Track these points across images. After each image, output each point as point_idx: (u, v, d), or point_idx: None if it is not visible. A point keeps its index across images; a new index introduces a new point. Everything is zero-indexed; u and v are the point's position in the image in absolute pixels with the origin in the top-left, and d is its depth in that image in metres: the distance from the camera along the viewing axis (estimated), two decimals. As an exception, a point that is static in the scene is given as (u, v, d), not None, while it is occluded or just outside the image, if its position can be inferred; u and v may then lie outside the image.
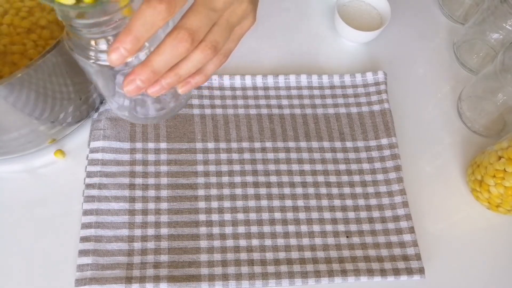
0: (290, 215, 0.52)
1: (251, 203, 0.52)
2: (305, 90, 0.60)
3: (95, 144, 0.53)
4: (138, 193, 0.52)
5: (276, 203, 0.53)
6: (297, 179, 0.54)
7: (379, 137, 0.58)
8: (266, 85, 0.60)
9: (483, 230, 0.55)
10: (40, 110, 0.46)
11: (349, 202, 0.54)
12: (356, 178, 0.55)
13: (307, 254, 0.50)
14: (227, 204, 0.52)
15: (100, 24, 0.31)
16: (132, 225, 0.50)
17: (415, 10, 0.71)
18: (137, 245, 0.49)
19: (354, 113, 0.59)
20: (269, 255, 0.50)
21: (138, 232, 0.50)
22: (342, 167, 0.56)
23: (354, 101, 0.60)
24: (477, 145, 0.60)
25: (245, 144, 0.56)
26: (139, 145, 0.54)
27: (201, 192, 0.53)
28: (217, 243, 0.50)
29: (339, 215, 0.53)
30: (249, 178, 0.54)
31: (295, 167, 0.55)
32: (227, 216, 0.52)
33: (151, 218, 0.51)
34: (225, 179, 0.54)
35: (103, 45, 0.33)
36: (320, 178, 0.55)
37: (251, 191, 0.53)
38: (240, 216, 0.52)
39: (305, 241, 0.51)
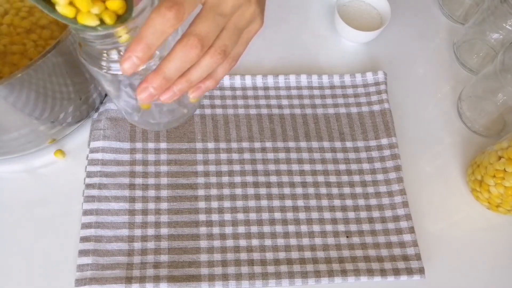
0: (290, 215, 0.52)
1: (251, 203, 0.52)
2: (305, 90, 0.60)
3: (95, 144, 0.53)
4: (138, 193, 0.52)
5: (276, 203, 0.53)
6: (297, 179, 0.54)
7: (379, 137, 0.58)
8: (266, 85, 0.60)
9: (483, 230, 0.55)
10: (40, 110, 0.46)
11: (349, 202, 0.54)
12: (356, 178, 0.55)
13: (307, 254, 0.50)
14: (227, 204, 0.52)
15: (111, 36, 0.32)
16: (132, 225, 0.50)
17: (415, 10, 0.71)
18: (137, 245, 0.49)
19: (354, 113, 0.59)
20: (269, 255, 0.50)
21: (138, 232, 0.50)
22: (342, 167, 0.56)
23: (354, 101, 0.60)
24: (477, 145, 0.60)
25: (245, 144, 0.56)
26: (139, 145, 0.54)
27: (201, 192, 0.53)
28: (217, 243, 0.50)
29: (339, 215, 0.53)
30: (249, 178, 0.54)
31: (295, 167, 0.55)
32: (227, 216, 0.52)
33: (151, 218, 0.51)
34: (225, 179, 0.54)
35: (114, 55, 0.33)
36: (320, 178, 0.55)
37: (251, 191, 0.53)
38: (240, 216, 0.52)
39: (305, 241, 0.51)
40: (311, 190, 0.54)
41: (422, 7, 0.72)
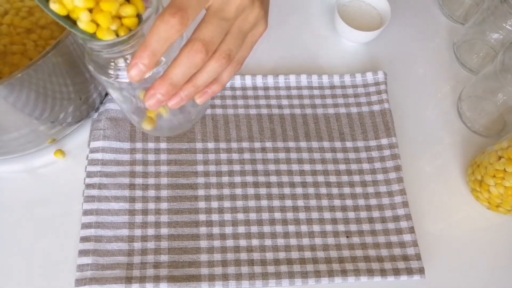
0: (290, 215, 0.52)
1: (251, 203, 0.52)
2: (305, 90, 0.60)
3: (95, 144, 0.53)
4: (138, 193, 0.52)
5: (276, 203, 0.53)
6: (297, 179, 0.54)
7: (379, 137, 0.58)
8: (266, 85, 0.60)
9: (483, 230, 0.55)
10: (40, 110, 0.46)
11: (349, 202, 0.54)
12: (356, 178, 0.55)
13: (307, 254, 0.50)
14: (227, 204, 0.52)
15: (118, 45, 0.33)
16: (132, 225, 0.50)
17: (415, 10, 0.71)
18: (137, 245, 0.49)
19: (354, 113, 0.59)
20: (269, 255, 0.50)
21: (138, 232, 0.50)
22: (342, 167, 0.56)
23: (354, 101, 0.60)
24: (477, 145, 0.60)
25: (245, 144, 0.56)
26: (139, 145, 0.54)
27: (201, 192, 0.53)
28: (217, 243, 0.50)
29: (339, 215, 0.53)
30: (249, 178, 0.54)
31: (295, 167, 0.55)
32: (227, 216, 0.52)
33: (151, 218, 0.51)
34: (225, 179, 0.54)
35: (121, 64, 0.34)
36: (320, 178, 0.55)
37: (251, 191, 0.53)
38: (240, 216, 0.52)
39: (305, 241, 0.51)
40: (311, 190, 0.54)
41: (422, 7, 0.72)
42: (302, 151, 0.56)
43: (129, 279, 0.47)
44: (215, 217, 0.52)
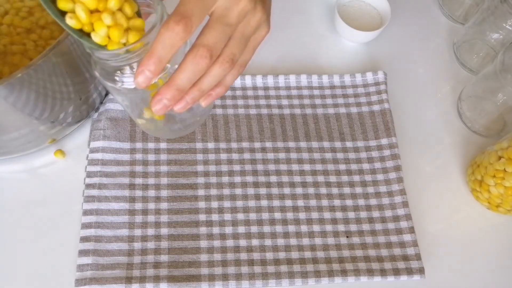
0: (290, 215, 0.52)
1: (251, 203, 0.52)
2: (305, 90, 0.60)
3: (95, 144, 0.53)
4: (138, 193, 0.52)
5: (276, 203, 0.53)
6: (297, 179, 0.54)
7: (379, 137, 0.58)
8: (266, 85, 0.60)
9: (483, 230, 0.55)
10: (40, 110, 0.46)
11: (349, 202, 0.54)
12: (356, 178, 0.55)
13: (307, 254, 0.50)
14: (227, 204, 0.52)
15: (125, 54, 0.34)
16: (132, 225, 0.50)
17: (415, 10, 0.71)
18: (137, 245, 0.49)
19: (354, 113, 0.59)
20: (269, 255, 0.50)
21: (138, 232, 0.50)
22: (342, 167, 0.56)
23: (354, 101, 0.60)
24: (477, 145, 0.60)
25: (245, 144, 0.56)
26: (139, 145, 0.54)
27: (201, 192, 0.53)
28: (217, 243, 0.50)
29: (339, 215, 0.53)
30: (249, 178, 0.54)
31: (295, 167, 0.55)
32: (227, 216, 0.52)
33: (151, 218, 0.51)
34: (225, 179, 0.54)
35: (127, 71, 0.35)
36: (320, 178, 0.55)
37: (251, 191, 0.53)
38: (240, 216, 0.52)
39: (305, 241, 0.51)
40: (311, 190, 0.54)
41: (422, 7, 0.72)
42: (302, 151, 0.56)
43: (129, 279, 0.47)
44: (215, 217, 0.52)
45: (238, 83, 0.60)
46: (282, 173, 0.55)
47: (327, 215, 0.53)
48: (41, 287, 0.48)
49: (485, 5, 0.60)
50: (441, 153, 0.60)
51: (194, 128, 0.49)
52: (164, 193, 0.52)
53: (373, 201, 0.54)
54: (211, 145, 0.55)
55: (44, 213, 0.51)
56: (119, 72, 0.36)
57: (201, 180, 0.53)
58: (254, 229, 0.51)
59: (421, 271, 0.50)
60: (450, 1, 0.71)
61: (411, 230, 0.52)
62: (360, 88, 0.61)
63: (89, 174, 0.52)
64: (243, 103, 0.59)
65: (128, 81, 0.36)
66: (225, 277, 0.48)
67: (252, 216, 0.52)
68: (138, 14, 0.35)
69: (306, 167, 0.55)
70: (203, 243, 0.50)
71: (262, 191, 0.53)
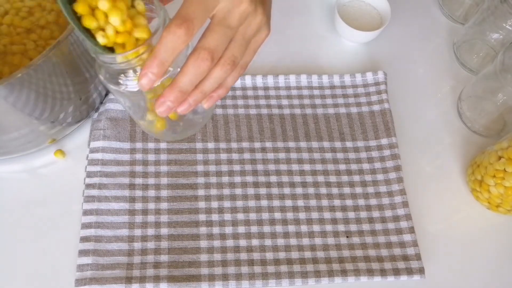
0: (290, 215, 0.52)
1: (251, 203, 0.52)
2: (305, 90, 0.60)
3: (95, 144, 0.53)
4: (138, 193, 0.52)
5: (276, 203, 0.53)
6: (297, 179, 0.54)
7: (379, 137, 0.58)
8: (266, 85, 0.60)
9: (483, 230, 0.55)
10: (40, 110, 0.46)
11: (349, 202, 0.54)
12: (356, 178, 0.55)
13: (307, 254, 0.50)
14: (227, 204, 0.52)
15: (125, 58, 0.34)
16: (132, 225, 0.50)
17: (415, 10, 0.71)
18: (137, 245, 0.49)
19: (354, 113, 0.59)
20: (269, 255, 0.50)
21: (138, 232, 0.50)
22: (342, 167, 0.56)
23: (354, 101, 0.60)
24: (477, 145, 0.60)
25: (245, 144, 0.56)
26: (139, 145, 0.54)
27: (201, 192, 0.53)
28: (217, 243, 0.50)
29: (339, 215, 0.53)
30: (249, 178, 0.54)
31: (295, 167, 0.55)
32: (227, 216, 0.52)
33: (151, 218, 0.51)
34: (225, 179, 0.54)
35: (131, 74, 0.36)
36: (320, 178, 0.55)
37: (251, 191, 0.53)
38: (240, 216, 0.52)
39: (305, 241, 0.51)
40: (311, 190, 0.54)
41: (422, 7, 0.72)
42: (302, 151, 0.56)
43: (129, 279, 0.47)
44: (215, 217, 0.52)
45: (238, 83, 0.60)
46: (282, 173, 0.55)
47: (327, 215, 0.53)
48: (41, 287, 0.48)
49: (485, 5, 0.60)
50: (441, 153, 0.60)
51: (196, 131, 0.50)
52: (164, 193, 0.52)
53: (373, 201, 0.54)
54: (211, 145, 0.55)
55: (44, 213, 0.51)
56: (122, 75, 0.36)
57: (201, 180, 0.53)
58: (254, 229, 0.51)
59: (421, 271, 0.50)
60: (450, 1, 0.71)
61: (411, 230, 0.52)
62: (360, 88, 0.61)
63: (89, 174, 0.52)
64: (243, 103, 0.59)
65: (131, 84, 0.37)
66: (225, 277, 0.48)
67: (252, 216, 0.52)
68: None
69: (306, 167, 0.55)
70: (203, 243, 0.50)
71: (262, 191, 0.53)
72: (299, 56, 0.65)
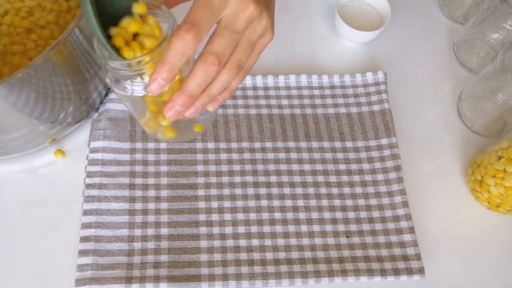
0: (290, 215, 0.52)
1: (251, 203, 0.52)
2: (305, 90, 0.60)
3: (95, 144, 0.53)
4: (138, 193, 0.52)
5: (276, 203, 0.53)
6: (297, 179, 0.54)
7: (379, 137, 0.58)
8: (266, 85, 0.60)
9: (483, 230, 0.55)
10: (40, 110, 0.46)
11: (349, 202, 0.54)
12: (356, 178, 0.55)
13: (307, 254, 0.50)
14: (227, 204, 0.52)
15: (137, 64, 0.35)
16: (132, 225, 0.50)
17: (415, 10, 0.71)
18: (137, 245, 0.49)
19: (354, 113, 0.59)
20: (269, 255, 0.50)
21: (138, 232, 0.50)
22: (342, 167, 0.56)
23: (354, 101, 0.60)
24: (477, 145, 0.60)
25: (245, 144, 0.56)
26: (139, 145, 0.54)
27: (201, 192, 0.53)
28: (217, 243, 0.50)
29: (339, 215, 0.53)
30: (249, 178, 0.54)
31: (295, 167, 0.55)
32: (227, 216, 0.52)
33: (151, 218, 0.51)
34: (225, 179, 0.54)
35: (138, 80, 0.37)
36: (320, 178, 0.55)
37: (251, 191, 0.53)
38: (240, 216, 0.52)
39: (305, 241, 0.51)
40: (311, 190, 0.54)
41: (422, 7, 0.72)
42: (302, 151, 0.56)
43: (129, 279, 0.47)
44: (215, 217, 0.52)
45: (238, 83, 0.60)
46: (282, 173, 0.55)
47: (327, 215, 0.53)
48: (41, 287, 0.48)
49: (485, 5, 0.60)
50: (441, 153, 0.60)
51: (200, 134, 0.51)
52: (164, 193, 0.52)
53: (373, 201, 0.54)
54: (211, 145, 0.55)
55: (44, 213, 0.51)
56: (129, 80, 0.37)
57: (201, 180, 0.53)
58: (254, 229, 0.51)
59: (421, 271, 0.50)
60: (450, 1, 0.71)
61: (411, 230, 0.52)
62: (360, 88, 0.61)
63: (89, 174, 0.52)
64: (243, 103, 0.59)
65: (137, 89, 0.37)
66: (225, 277, 0.48)
67: (252, 216, 0.52)
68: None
69: (306, 167, 0.55)
70: (203, 243, 0.50)
71: (262, 191, 0.53)
72: (299, 56, 0.65)
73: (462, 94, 0.62)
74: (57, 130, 0.51)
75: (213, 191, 0.53)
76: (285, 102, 0.59)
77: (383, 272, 0.49)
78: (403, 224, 0.52)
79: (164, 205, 0.52)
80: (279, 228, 0.51)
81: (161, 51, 0.35)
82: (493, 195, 0.52)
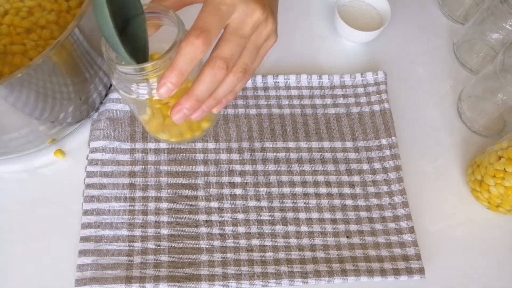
0: (290, 215, 0.52)
1: (251, 203, 0.52)
2: (305, 90, 0.60)
3: (95, 144, 0.53)
4: (138, 193, 0.52)
5: (276, 203, 0.53)
6: (297, 179, 0.54)
7: (379, 137, 0.58)
8: (266, 85, 0.60)
9: (483, 230, 0.55)
10: (40, 110, 0.46)
11: (349, 202, 0.54)
12: (356, 178, 0.55)
13: (307, 254, 0.50)
14: (227, 204, 0.52)
15: (145, 69, 0.36)
16: (132, 225, 0.50)
17: (415, 10, 0.71)
18: (137, 245, 0.49)
19: (354, 113, 0.59)
20: (269, 255, 0.50)
21: (138, 232, 0.50)
22: (342, 167, 0.56)
23: (354, 101, 0.60)
24: (477, 145, 0.60)
25: (245, 144, 0.56)
26: (139, 145, 0.54)
27: (201, 192, 0.53)
28: (217, 243, 0.50)
29: (339, 215, 0.53)
30: (249, 178, 0.54)
31: (295, 167, 0.55)
32: (227, 216, 0.52)
33: (151, 218, 0.51)
34: (225, 179, 0.54)
35: (143, 84, 0.38)
36: (320, 178, 0.55)
37: (251, 191, 0.53)
38: (240, 216, 0.52)
39: (305, 241, 0.51)
40: (311, 190, 0.54)
41: (422, 7, 0.72)
42: (302, 151, 0.56)
43: (129, 279, 0.47)
44: (215, 217, 0.52)
45: (238, 83, 0.60)
46: (282, 173, 0.55)
47: (327, 215, 0.53)
48: (41, 287, 0.48)
49: (485, 5, 0.60)
50: (441, 153, 0.60)
51: (203, 135, 0.52)
52: (164, 193, 0.52)
53: (373, 201, 0.54)
54: (211, 145, 0.55)
55: (44, 213, 0.51)
56: (135, 84, 0.38)
57: (201, 180, 0.53)
58: (254, 229, 0.51)
59: (421, 271, 0.50)
60: (450, 1, 0.71)
61: (411, 230, 0.52)
62: (360, 88, 0.61)
63: (89, 174, 0.52)
64: (243, 103, 0.59)
65: (142, 92, 0.38)
66: (225, 277, 0.48)
67: (252, 216, 0.52)
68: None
69: (306, 167, 0.55)
70: (203, 243, 0.50)
71: (262, 191, 0.53)
72: (299, 56, 0.65)
73: (462, 94, 0.62)
74: (57, 130, 0.51)
75: (213, 191, 0.53)
76: (285, 102, 0.59)
77: (383, 272, 0.49)
78: (403, 224, 0.52)
79: (164, 205, 0.52)
80: (279, 228, 0.51)
81: (171, 56, 0.35)
82: (493, 195, 0.52)
